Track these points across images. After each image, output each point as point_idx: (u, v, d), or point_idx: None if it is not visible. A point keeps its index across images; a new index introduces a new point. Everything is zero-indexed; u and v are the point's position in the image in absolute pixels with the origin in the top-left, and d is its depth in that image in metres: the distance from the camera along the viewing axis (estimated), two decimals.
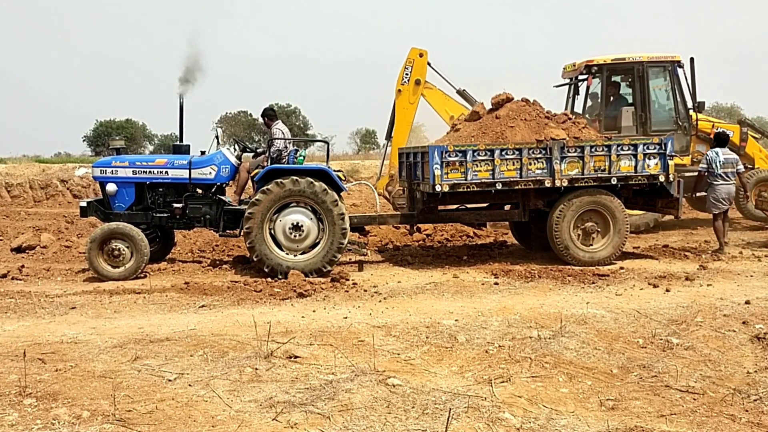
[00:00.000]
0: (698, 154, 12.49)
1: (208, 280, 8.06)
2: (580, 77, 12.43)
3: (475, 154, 8.57)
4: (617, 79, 12.35)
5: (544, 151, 8.66)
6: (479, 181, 8.63)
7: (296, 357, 5.04)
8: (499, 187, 8.66)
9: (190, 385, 4.52)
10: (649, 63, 11.87)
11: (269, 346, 5.17)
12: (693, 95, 11.96)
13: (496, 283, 7.76)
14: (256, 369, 4.79)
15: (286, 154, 8.98)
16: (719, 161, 9.67)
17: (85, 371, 4.76)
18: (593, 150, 8.74)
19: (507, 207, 9.72)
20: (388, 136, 13.11)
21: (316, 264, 8.27)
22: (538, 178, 8.70)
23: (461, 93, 12.43)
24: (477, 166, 8.59)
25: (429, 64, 13.01)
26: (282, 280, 7.93)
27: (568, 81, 12.95)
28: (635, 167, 8.82)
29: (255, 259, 8.23)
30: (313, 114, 61.86)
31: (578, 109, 12.69)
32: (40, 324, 6.14)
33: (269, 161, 8.87)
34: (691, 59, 11.85)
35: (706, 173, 9.78)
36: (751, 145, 12.66)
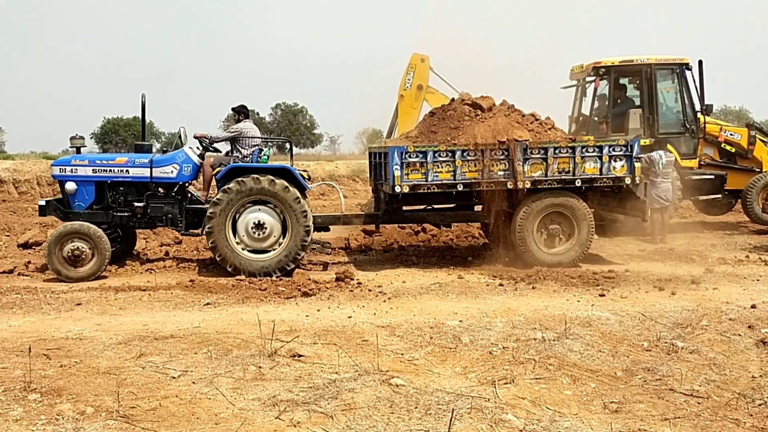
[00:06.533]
0: (706, 158, 12.47)
1: (213, 278, 8.08)
2: (588, 79, 12.40)
3: (436, 155, 8.46)
4: (625, 81, 12.32)
5: (506, 153, 8.54)
6: (440, 182, 8.51)
7: (300, 356, 5.04)
8: (460, 188, 8.56)
9: (193, 382, 4.54)
10: (657, 65, 11.83)
11: (273, 344, 5.18)
12: (701, 98, 11.91)
13: (501, 285, 7.74)
14: (260, 367, 4.80)
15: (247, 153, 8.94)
16: (662, 162, 10.64)
17: (89, 367, 4.78)
18: (557, 152, 8.63)
19: (478, 207, 9.53)
20: (389, 137, 13.16)
21: (280, 262, 8.24)
22: (500, 179, 8.60)
23: None
24: (438, 167, 8.48)
25: (431, 68, 13.18)
26: (287, 279, 7.95)
27: (575, 82, 12.93)
28: (600, 169, 8.70)
29: (218, 259, 8.23)
30: (320, 113, 61.98)
31: (585, 110, 12.67)
32: (45, 320, 6.17)
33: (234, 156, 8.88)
34: (700, 62, 11.81)
35: (648, 172, 10.57)
36: (759, 148, 12.59)
